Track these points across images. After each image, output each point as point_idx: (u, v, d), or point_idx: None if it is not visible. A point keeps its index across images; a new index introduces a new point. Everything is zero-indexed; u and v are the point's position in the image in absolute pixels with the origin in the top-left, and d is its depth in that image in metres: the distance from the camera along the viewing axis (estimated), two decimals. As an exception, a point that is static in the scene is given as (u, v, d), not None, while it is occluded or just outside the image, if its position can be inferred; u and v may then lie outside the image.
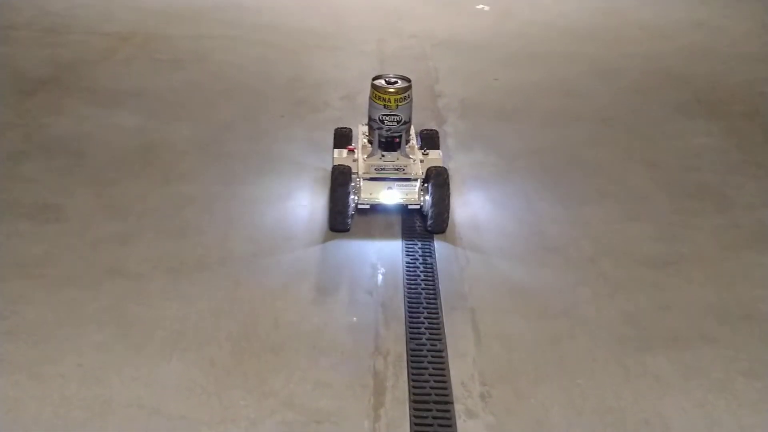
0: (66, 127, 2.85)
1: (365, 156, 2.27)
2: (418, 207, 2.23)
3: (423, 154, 2.31)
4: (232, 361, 1.71)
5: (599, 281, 2.05)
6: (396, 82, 2.22)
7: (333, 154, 2.32)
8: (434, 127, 2.68)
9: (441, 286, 1.99)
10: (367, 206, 2.23)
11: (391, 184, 2.22)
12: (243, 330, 1.81)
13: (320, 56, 3.64)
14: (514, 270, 2.09)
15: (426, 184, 2.20)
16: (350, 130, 2.48)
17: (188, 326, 1.82)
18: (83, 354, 1.72)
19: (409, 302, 1.93)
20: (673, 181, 2.59)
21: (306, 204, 2.37)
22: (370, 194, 2.22)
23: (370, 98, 2.23)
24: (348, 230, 2.18)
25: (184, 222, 2.26)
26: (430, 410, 1.60)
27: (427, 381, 1.67)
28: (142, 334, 1.79)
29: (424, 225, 2.24)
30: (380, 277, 2.04)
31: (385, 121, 2.20)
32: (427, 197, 2.19)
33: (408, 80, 2.23)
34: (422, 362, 1.73)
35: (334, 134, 2.47)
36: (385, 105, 2.19)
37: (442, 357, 1.75)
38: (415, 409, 1.60)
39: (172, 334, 1.79)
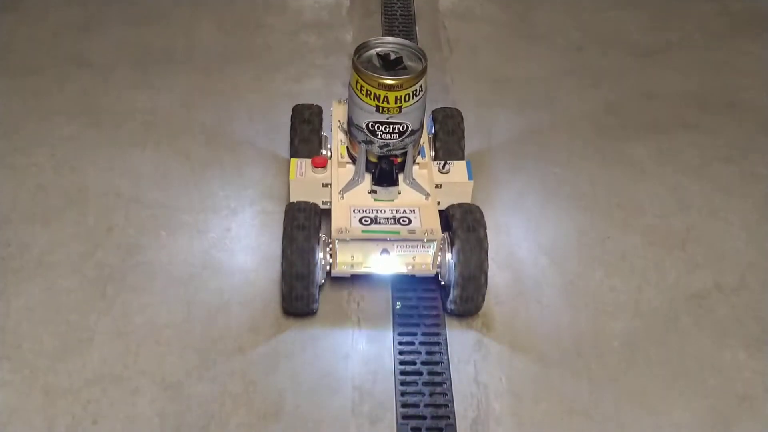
0: None
1: (342, 188, 1.29)
2: (432, 276, 1.30)
3: (441, 170, 1.36)
4: (207, 154, 1.69)
5: (585, 70, 1.99)
6: (399, 62, 1.19)
7: (289, 173, 1.36)
8: (453, 105, 1.66)
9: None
10: (347, 276, 1.31)
11: (388, 245, 1.25)
12: (217, 122, 1.77)
13: None
14: (497, 60, 2.02)
15: (447, 233, 1.26)
16: (319, 111, 1.49)
17: (159, 117, 1.77)
18: (55, 145, 1.69)
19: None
20: (669, -35, 2.44)
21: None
22: (352, 259, 1.25)
23: (351, 87, 1.22)
24: (314, 313, 1.31)
25: (147, 8, 2.12)
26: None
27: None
28: (112, 125, 1.75)
29: (443, 299, 1.33)
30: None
31: (379, 134, 1.22)
32: (448, 258, 1.25)
33: (422, 55, 1.21)
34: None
35: (292, 120, 1.49)
36: (378, 106, 1.18)
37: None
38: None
39: (143, 124, 1.75)
